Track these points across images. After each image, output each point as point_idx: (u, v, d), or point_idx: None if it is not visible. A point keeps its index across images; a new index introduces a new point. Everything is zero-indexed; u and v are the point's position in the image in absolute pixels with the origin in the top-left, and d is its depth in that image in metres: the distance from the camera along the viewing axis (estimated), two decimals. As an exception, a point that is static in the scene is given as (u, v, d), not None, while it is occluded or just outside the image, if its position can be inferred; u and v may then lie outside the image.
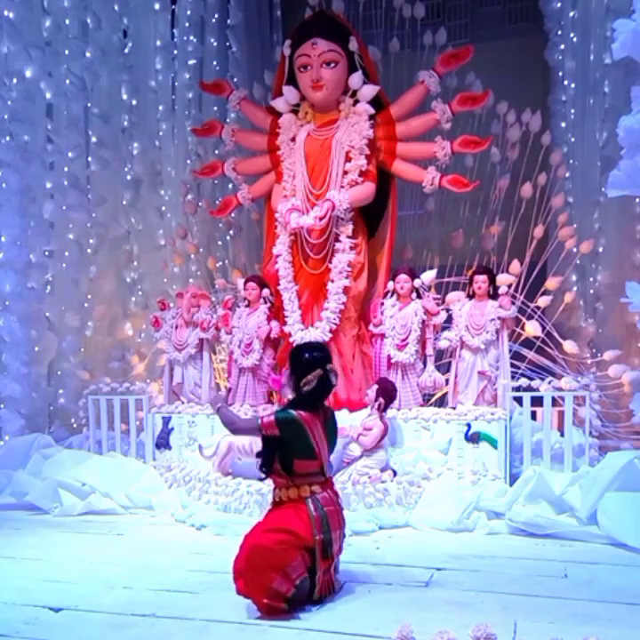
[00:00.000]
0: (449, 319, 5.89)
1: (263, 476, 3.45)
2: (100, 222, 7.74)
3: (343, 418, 5.68)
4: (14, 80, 6.76)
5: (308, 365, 3.36)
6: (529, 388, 5.52)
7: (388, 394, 5.40)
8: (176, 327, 6.47)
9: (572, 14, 7.81)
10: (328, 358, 3.47)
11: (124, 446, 6.41)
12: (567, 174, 7.22)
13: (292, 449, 3.32)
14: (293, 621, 3.06)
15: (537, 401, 5.53)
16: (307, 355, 3.42)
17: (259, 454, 3.41)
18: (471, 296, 5.88)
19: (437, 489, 5.03)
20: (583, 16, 7.63)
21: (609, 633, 2.83)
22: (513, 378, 5.73)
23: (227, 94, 6.93)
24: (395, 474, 5.26)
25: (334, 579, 3.41)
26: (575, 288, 7.36)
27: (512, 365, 5.86)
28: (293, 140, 6.33)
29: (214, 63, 8.80)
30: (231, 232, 8.09)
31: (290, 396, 3.45)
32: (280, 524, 3.25)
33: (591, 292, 7.55)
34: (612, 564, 3.96)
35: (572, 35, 7.79)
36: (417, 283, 5.91)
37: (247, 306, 6.35)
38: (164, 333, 6.55)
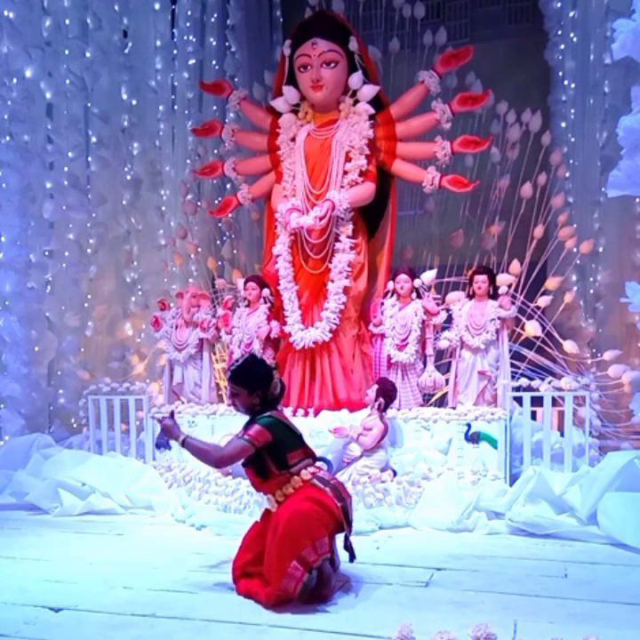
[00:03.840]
0: (449, 319, 5.90)
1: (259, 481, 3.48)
2: (100, 222, 7.74)
3: (343, 418, 5.70)
4: (14, 80, 6.74)
5: (268, 376, 3.50)
6: (529, 388, 5.52)
7: (387, 394, 5.40)
8: (176, 327, 6.47)
9: (572, 14, 7.80)
10: (268, 365, 3.60)
11: (124, 446, 6.41)
12: (567, 174, 7.22)
13: (285, 445, 3.41)
14: (293, 621, 3.06)
15: (537, 401, 5.53)
16: (261, 368, 3.53)
17: (249, 467, 3.44)
18: (471, 296, 5.88)
19: (437, 489, 5.03)
20: (583, 16, 7.63)
21: (609, 633, 2.82)
22: (513, 378, 5.73)
23: (227, 94, 6.93)
24: (395, 474, 5.26)
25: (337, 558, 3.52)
26: (575, 288, 7.36)
27: (512, 365, 5.86)
28: (293, 139, 6.33)
29: (214, 63, 8.80)
30: (230, 233, 8.08)
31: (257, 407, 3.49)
32: (313, 495, 3.34)
33: (591, 292, 7.55)
34: (612, 564, 3.96)
35: (571, 35, 7.79)
36: (417, 283, 5.91)
37: (247, 306, 6.36)
38: (163, 333, 6.55)
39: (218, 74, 8.60)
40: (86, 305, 7.66)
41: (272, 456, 3.37)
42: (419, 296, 5.91)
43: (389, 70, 7.12)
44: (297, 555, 3.17)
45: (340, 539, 3.46)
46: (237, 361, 3.55)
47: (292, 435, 3.49)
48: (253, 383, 3.46)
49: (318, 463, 3.59)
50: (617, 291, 6.02)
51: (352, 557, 3.48)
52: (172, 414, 3.56)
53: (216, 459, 3.40)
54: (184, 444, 3.40)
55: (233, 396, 3.53)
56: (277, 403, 3.57)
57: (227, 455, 3.37)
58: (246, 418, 3.53)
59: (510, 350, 5.90)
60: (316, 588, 3.31)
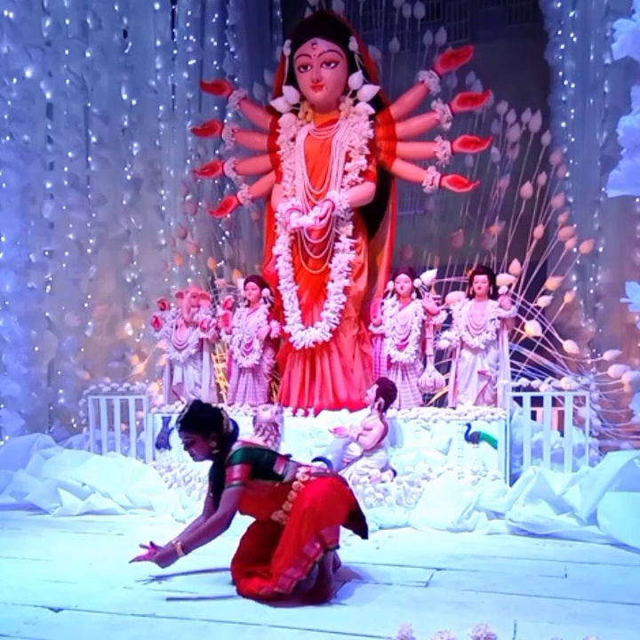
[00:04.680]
0: (449, 319, 5.90)
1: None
2: (100, 222, 7.74)
3: (343, 418, 5.70)
4: (14, 80, 6.75)
5: (218, 417, 3.52)
6: (529, 388, 5.52)
7: (387, 394, 5.40)
8: (176, 327, 6.47)
9: (572, 14, 7.80)
10: (213, 408, 3.63)
11: (124, 446, 6.41)
12: (567, 174, 7.21)
13: (265, 463, 3.44)
14: (293, 621, 3.06)
15: (537, 401, 5.53)
16: (208, 412, 3.55)
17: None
18: (471, 296, 5.88)
19: (437, 489, 5.03)
20: (583, 16, 7.62)
21: (609, 633, 2.82)
22: (513, 378, 5.73)
23: (227, 94, 6.92)
24: (395, 474, 5.26)
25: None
26: (575, 288, 7.35)
27: (512, 365, 5.86)
28: (293, 139, 6.33)
29: (214, 63, 8.80)
30: (229, 233, 8.08)
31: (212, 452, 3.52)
32: (334, 482, 3.44)
33: (591, 292, 7.55)
34: (612, 564, 3.96)
35: (571, 35, 7.78)
36: (417, 283, 5.91)
37: (247, 306, 6.36)
38: (164, 333, 6.55)
39: (218, 74, 8.59)
40: (86, 305, 7.66)
41: (260, 477, 3.41)
42: (419, 296, 5.91)
43: (389, 70, 7.11)
44: (317, 532, 3.23)
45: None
46: (183, 411, 3.55)
47: (263, 452, 3.54)
48: (205, 427, 3.47)
49: (317, 463, 3.60)
50: (617, 291, 6.01)
51: (365, 535, 3.59)
52: (152, 544, 3.56)
53: (221, 523, 3.37)
54: (187, 550, 3.39)
55: (188, 446, 3.52)
56: (234, 439, 3.55)
57: (229, 511, 3.37)
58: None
59: (510, 350, 5.90)
60: (316, 588, 3.31)
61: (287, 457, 3.61)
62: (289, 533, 3.31)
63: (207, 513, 3.58)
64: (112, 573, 3.84)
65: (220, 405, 3.65)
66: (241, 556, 3.56)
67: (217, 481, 3.52)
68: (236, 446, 3.48)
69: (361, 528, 3.58)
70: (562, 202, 6.75)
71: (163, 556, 3.42)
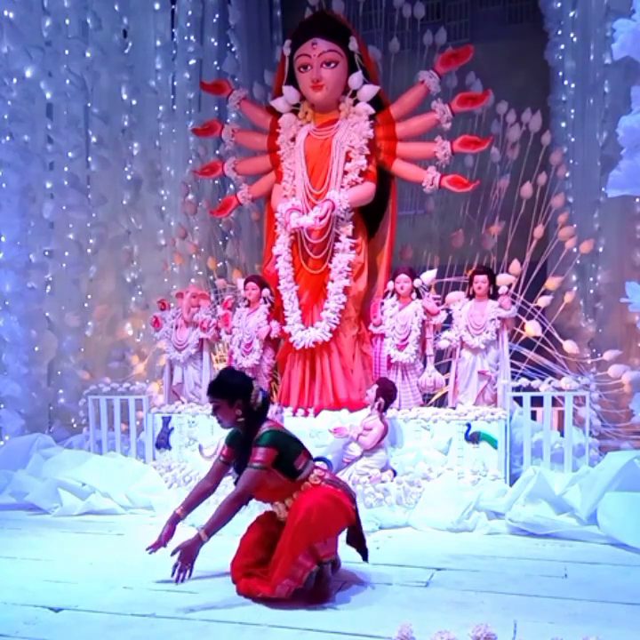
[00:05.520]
0: (449, 319, 5.89)
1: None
2: (100, 222, 7.74)
3: (343, 418, 5.70)
4: (14, 80, 6.75)
5: (246, 385, 3.50)
6: (529, 388, 5.52)
7: (387, 394, 5.40)
8: (176, 327, 6.47)
9: (572, 14, 7.80)
10: (244, 375, 3.64)
11: (124, 446, 6.41)
12: (567, 174, 7.22)
13: (289, 454, 3.41)
14: (293, 621, 3.06)
15: (537, 401, 5.53)
16: (237, 379, 3.56)
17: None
18: (471, 296, 5.88)
19: (437, 489, 5.03)
20: (583, 16, 7.62)
21: (609, 633, 2.83)
22: (513, 378, 5.72)
23: (227, 94, 6.92)
24: (395, 474, 5.26)
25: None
26: (575, 288, 7.36)
27: (512, 365, 5.86)
28: (293, 139, 6.33)
29: (214, 63, 8.80)
30: (231, 232, 8.09)
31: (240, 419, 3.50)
32: (333, 494, 3.38)
33: (591, 292, 7.55)
34: (612, 564, 3.96)
35: (572, 35, 7.78)
36: (417, 283, 5.91)
37: (247, 306, 6.36)
38: (164, 333, 6.55)
39: (218, 74, 8.59)
40: (86, 305, 7.66)
41: (279, 467, 3.39)
42: (419, 296, 5.91)
43: (389, 70, 7.11)
44: (310, 545, 3.22)
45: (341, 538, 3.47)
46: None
47: (292, 441, 3.50)
48: (232, 393, 3.46)
49: (318, 463, 3.60)
50: (617, 291, 6.01)
51: (365, 557, 3.59)
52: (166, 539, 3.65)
53: (239, 501, 3.37)
54: (210, 534, 3.37)
55: (215, 411, 3.52)
56: (263, 414, 3.51)
57: (248, 491, 3.37)
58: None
59: (510, 350, 5.90)
60: (316, 588, 3.31)
61: (309, 455, 3.55)
62: (284, 543, 3.29)
63: (211, 478, 3.60)
64: (112, 573, 3.84)
65: (255, 383, 3.54)
66: (241, 555, 3.55)
67: (239, 452, 3.49)
68: (267, 426, 3.43)
69: (361, 549, 3.57)
70: (562, 202, 6.75)
71: (188, 547, 3.37)
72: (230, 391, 3.47)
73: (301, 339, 5.98)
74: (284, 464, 3.39)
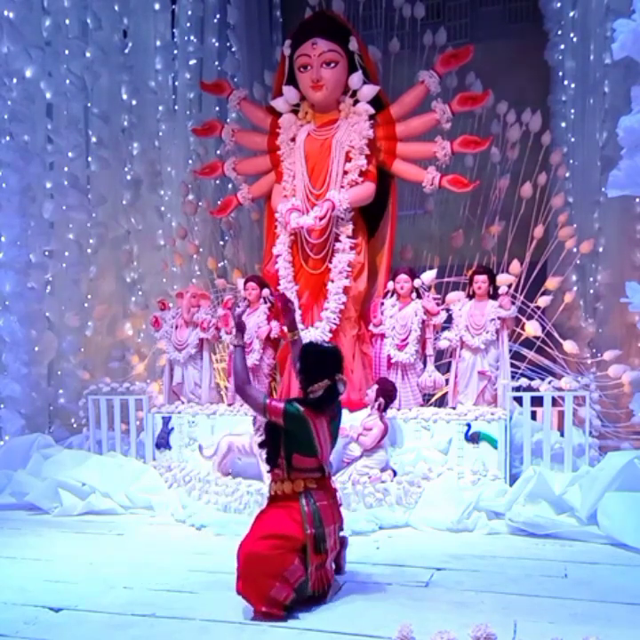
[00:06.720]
0: (449, 319, 5.89)
1: (268, 467, 3.46)
2: (99, 222, 7.74)
3: (343, 418, 5.68)
4: (14, 80, 6.75)
5: (317, 373, 3.37)
6: (529, 388, 5.52)
7: (387, 394, 5.40)
8: (176, 327, 6.47)
9: (572, 14, 7.81)
10: (339, 367, 3.44)
11: (124, 446, 6.41)
12: (567, 174, 7.22)
13: (294, 443, 3.35)
14: (293, 621, 3.07)
15: (537, 401, 5.53)
16: (317, 362, 3.41)
17: (262, 444, 3.43)
18: (471, 296, 5.88)
19: (437, 489, 5.03)
20: (583, 16, 7.63)
21: (609, 633, 2.83)
22: (513, 378, 5.72)
23: (227, 94, 6.93)
24: (395, 474, 5.26)
25: (331, 575, 3.40)
26: (575, 288, 7.36)
27: (512, 365, 5.86)
28: (293, 139, 6.33)
29: (214, 63, 8.80)
30: (231, 232, 8.08)
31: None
32: (273, 529, 3.24)
33: (591, 292, 7.55)
34: (612, 564, 3.96)
35: (572, 35, 7.79)
36: (417, 283, 5.91)
37: (247, 306, 6.35)
38: (164, 333, 6.55)
39: (218, 74, 8.60)
40: (86, 305, 7.66)
41: (284, 445, 3.34)
42: (419, 296, 5.91)
43: (389, 70, 7.11)
44: (265, 596, 3.10)
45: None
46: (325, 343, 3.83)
47: (307, 439, 3.34)
48: (302, 364, 3.42)
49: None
50: (617, 291, 6.01)
51: (339, 571, 3.51)
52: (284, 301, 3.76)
53: (239, 385, 3.41)
54: (236, 348, 3.47)
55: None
56: (319, 407, 3.36)
57: (246, 392, 3.39)
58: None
59: (510, 350, 5.90)
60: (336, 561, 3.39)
61: (321, 469, 3.42)
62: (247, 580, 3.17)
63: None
64: (112, 573, 3.84)
65: (338, 376, 3.37)
66: (251, 533, 3.37)
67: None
68: (301, 405, 3.33)
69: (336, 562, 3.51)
70: (562, 202, 6.75)
71: (239, 320, 3.59)
72: (302, 359, 3.44)
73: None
74: (286, 446, 3.33)
